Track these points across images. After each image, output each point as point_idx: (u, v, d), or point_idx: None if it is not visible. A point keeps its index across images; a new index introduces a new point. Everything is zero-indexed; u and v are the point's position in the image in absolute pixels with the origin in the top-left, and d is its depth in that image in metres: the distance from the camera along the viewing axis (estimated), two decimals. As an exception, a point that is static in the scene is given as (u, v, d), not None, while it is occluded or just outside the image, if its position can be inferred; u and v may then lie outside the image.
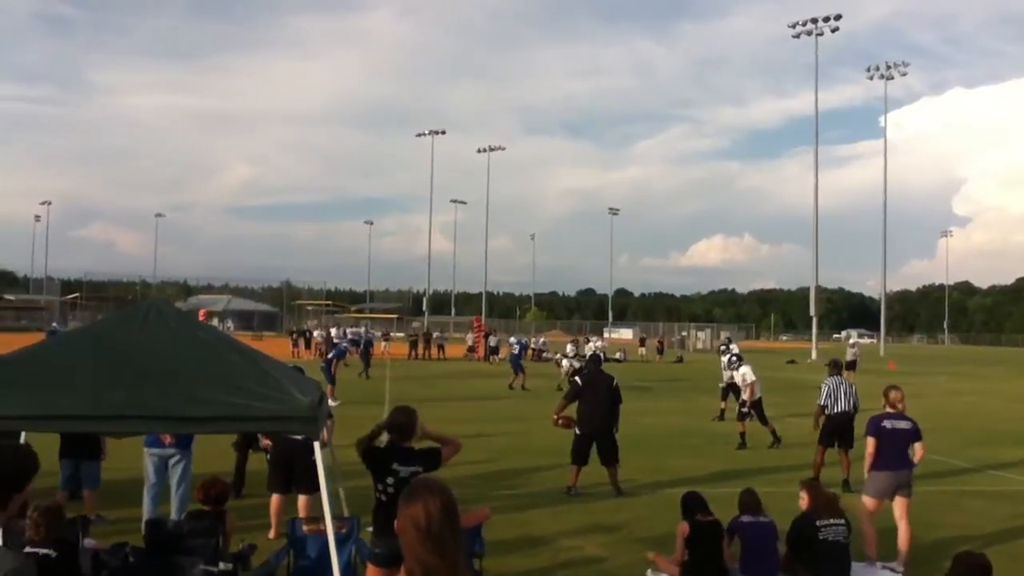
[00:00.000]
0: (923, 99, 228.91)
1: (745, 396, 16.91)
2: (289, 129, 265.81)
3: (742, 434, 16.25)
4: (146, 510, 8.55)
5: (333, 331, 50.48)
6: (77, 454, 9.09)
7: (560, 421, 12.15)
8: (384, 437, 6.03)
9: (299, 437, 7.63)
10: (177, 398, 5.45)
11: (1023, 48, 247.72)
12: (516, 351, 32.16)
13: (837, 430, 12.55)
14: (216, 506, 7.09)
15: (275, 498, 9.23)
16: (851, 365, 34.70)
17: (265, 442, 9.99)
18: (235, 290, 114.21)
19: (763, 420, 16.77)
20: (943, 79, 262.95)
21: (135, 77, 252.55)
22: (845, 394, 12.67)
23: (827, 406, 12.65)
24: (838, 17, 62.74)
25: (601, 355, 16.75)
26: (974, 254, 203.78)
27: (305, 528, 7.07)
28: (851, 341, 46.63)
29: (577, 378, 12.52)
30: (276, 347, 39.49)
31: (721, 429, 18.97)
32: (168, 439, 8.64)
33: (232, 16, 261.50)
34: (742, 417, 16.64)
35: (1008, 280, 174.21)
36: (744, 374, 17.31)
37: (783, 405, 25.08)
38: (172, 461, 8.80)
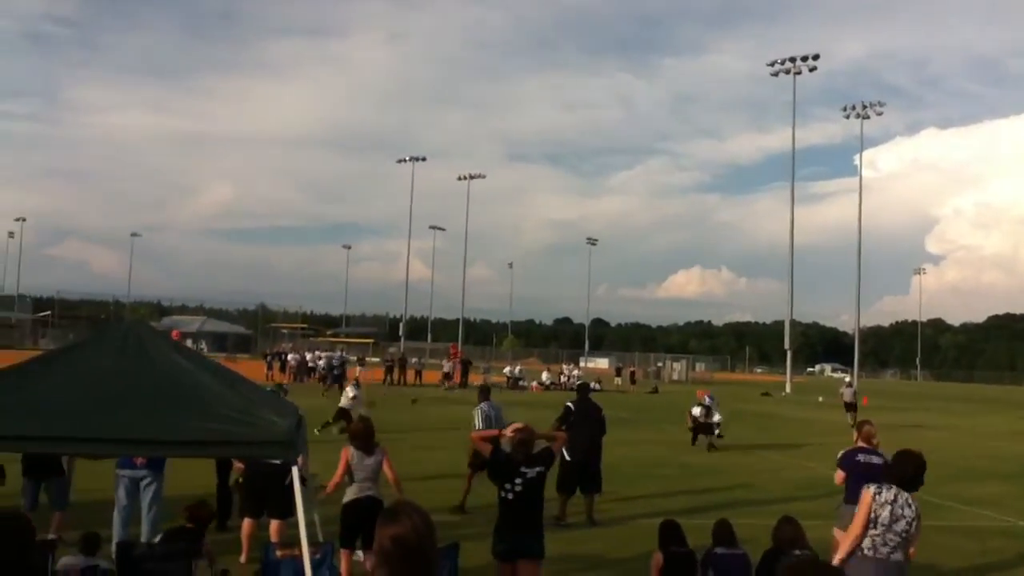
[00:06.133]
0: (897, 138, 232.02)
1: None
2: (269, 152, 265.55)
3: None
4: (116, 532, 8.46)
5: (308, 355, 50.15)
6: (39, 474, 8.94)
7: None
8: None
9: (277, 461, 7.61)
10: (153, 421, 5.43)
11: (995, 90, 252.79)
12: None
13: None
14: (199, 526, 7.08)
15: (247, 522, 9.16)
16: (850, 407, 30.78)
17: (238, 465, 9.93)
18: (210, 312, 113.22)
19: None
20: (918, 119, 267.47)
21: (115, 95, 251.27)
22: (498, 419, 12.62)
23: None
24: (816, 57, 63.85)
25: (590, 384, 16.83)
26: (947, 292, 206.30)
27: (278, 553, 7.03)
28: (847, 380, 42.58)
29: (569, 404, 12.56)
30: (250, 370, 39.16)
31: (695, 460, 19.04)
32: (140, 460, 8.57)
33: (215, 37, 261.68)
34: None
35: (980, 318, 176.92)
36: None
37: (755, 437, 25.22)
38: (144, 483, 8.72)
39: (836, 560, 6.18)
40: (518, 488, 6.73)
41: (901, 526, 5.91)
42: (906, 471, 6.21)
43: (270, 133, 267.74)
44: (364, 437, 8.20)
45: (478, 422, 12.73)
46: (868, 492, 6.04)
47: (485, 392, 13.70)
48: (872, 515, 5.92)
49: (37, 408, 5.39)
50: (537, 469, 6.83)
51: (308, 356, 49.44)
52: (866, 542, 5.93)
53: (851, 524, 6.12)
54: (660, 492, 14.52)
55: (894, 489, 6.03)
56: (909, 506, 6.00)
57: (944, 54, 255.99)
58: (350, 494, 7.97)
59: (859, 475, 8.64)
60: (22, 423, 5.28)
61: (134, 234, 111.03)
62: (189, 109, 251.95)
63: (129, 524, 8.66)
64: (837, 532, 8.63)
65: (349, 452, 8.08)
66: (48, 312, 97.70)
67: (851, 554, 6.03)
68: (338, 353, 54.94)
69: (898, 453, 6.44)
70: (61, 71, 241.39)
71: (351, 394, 21.50)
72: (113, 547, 7.27)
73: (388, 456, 8.15)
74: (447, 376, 47.76)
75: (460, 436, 13.79)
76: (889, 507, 5.91)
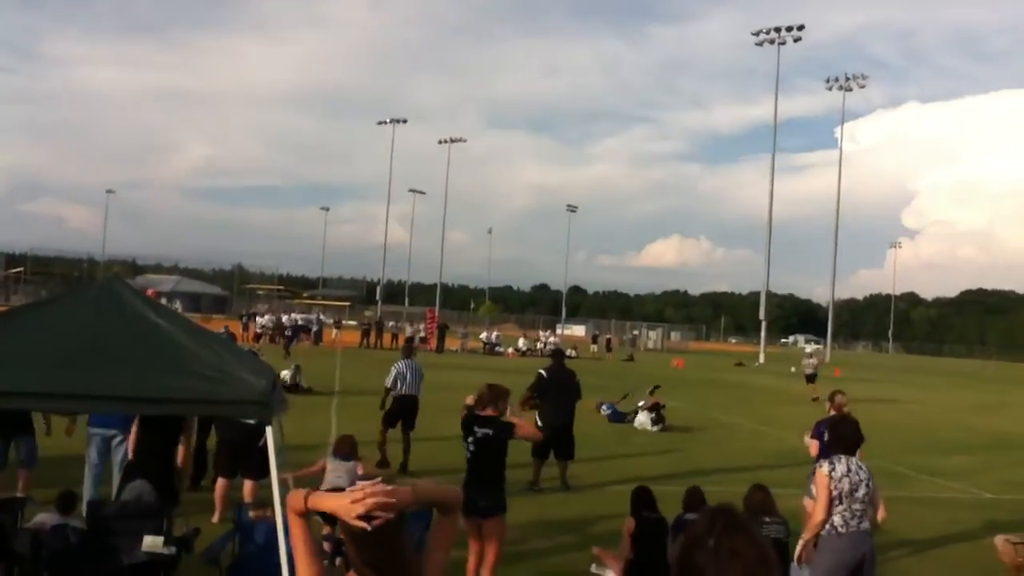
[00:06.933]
0: (879, 111, 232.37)
1: None
2: (248, 111, 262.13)
3: None
4: (87, 491, 8.40)
5: (284, 317, 50.04)
6: (9, 431, 8.77)
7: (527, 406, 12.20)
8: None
9: (251, 421, 7.58)
10: (127, 378, 5.36)
11: (977, 66, 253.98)
12: None
13: (402, 412, 12.87)
14: None
15: (220, 482, 9.15)
16: (811, 378, 29.80)
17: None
18: (185, 271, 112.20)
19: None
20: (900, 93, 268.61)
21: (92, 49, 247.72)
22: (412, 378, 13.00)
23: (394, 387, 12.95)
24: (801, 27, 63.61)
25: (564, 350, 16.82)
26: (921, 266, 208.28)
27: (252, 514, 7.01)
28: (808, 350, 40.50)
29: (541, 371, 12.55)
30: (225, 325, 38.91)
31: (668, 428, 19.19)
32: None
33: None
34: None
35: (952, 293, 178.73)
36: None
37: (728, 406, 25.46)
38: (115, 442, 8.66)
39: (803, 541, 6.18)
40: (471, 446, 7.13)
41: (861, 492, 5.96)
42: (848, 434, 6.27)
43: (250, 92, 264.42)
44: (348, 451, 8.63)
45: (388, 379, 13.06)
46: (822, 472, 6.02)
47: (407, 351, 14.03)
48: (834, 492, 5.92)
49: (8, 362, 5.30)
50: (485, 431, 7.10)
51: (284, 318, 49.30)
52: (836, 519, 5.93)
53: (815, 506, 6.08)
54: (633, 459, 14.63)
55: (844, 459, 6.06)
56: (861, 468, 6.05)
57: (929, 29, 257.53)
58: (324, 485, 8.19)
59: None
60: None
61: (109, 191, 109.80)
62: (168, 66, 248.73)
63: (101, 483, 8.61)
64: (807, 502, 8.74)
65: (327, 460, 8.60)
66: (20, 268, 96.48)
67: (818, 535, 6.02)
68: (314, 315, 54.76)
69: (833, 422, 6.51)
70: (38, 24, 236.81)
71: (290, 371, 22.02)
72: (84, 506, 7.22)
73: (362, 464, 8.68)
74: (422, 340, 47.70)
75: (429, 399, 13.89)
76: (847, 478, 5.94)
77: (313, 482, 8.42)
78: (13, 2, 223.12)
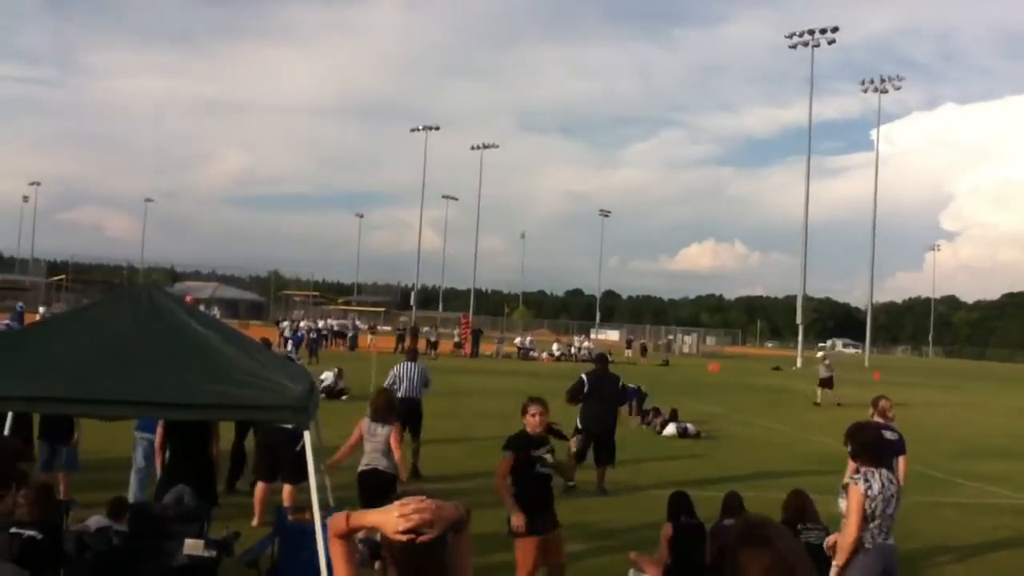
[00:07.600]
0: (914, 113, 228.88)
1: None
2: (283, 120, 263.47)
3: None
4: (132, 494, 8.53)
5: (302, 323, 50.46)
6: (53, 436, 8.89)
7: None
8: None
9: (289, 426, 7.65)
10: (167, 384, 5.45)
11: (1016, 66, 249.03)
12: None
13: (404, 416, 12.34)
14: None
15: (260, 486, 9.23)
16: (826, 382, 29.02)
17: None
18: (222, 278, 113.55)
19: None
20: (936, 94, 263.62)
21: (130, 60, 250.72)
22: (412, 381, 12.81)
23: (393, 388, 12.60)
24: (835, 29, 63.09)
25: (607, 354, 16.58)
26: (961, 269, 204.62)
27: (291, 517, 7.08)
28: (820, 354, 39.14)
29: (583, 375, 12.51)
30: (263, 336, 39.26)
31: (705, 433, 19.05)
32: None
33: (230, 2, 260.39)
34: None
35: (994, 296, 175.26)
36: None
37: (765, 411, 25.23)
38: (161, 446, 8.77)
39: (836, 566, 5.94)
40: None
41: (892, 506, 5.73)
42: (871, 442, 6.08)
43: (284, 101, 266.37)
44: (384, 410, 8.50)
45: (387, 380, 13.16)
46: (858, 490, 5.70)
47: (411, 353, 14.18)
48: (869, 510, 5.69)
49: (50, 369, 5.40)
50: None
51: (306, 324, 49.77)
52: (865, 535, 5.70)
53: (847, 527, 5.83)
54: (670, 463, 14.54)
55: (877, 474, 5.77)
56: (892, 482, 5.80)
57: (965, 28, 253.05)
58: (362, 464, 8.24)
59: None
60: (38, 383, 5.30)
61: (148, 199, 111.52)
62: (204, 76, 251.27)
63: (146, 487, 8.73)
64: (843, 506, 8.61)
65: (364, 423, 8.35)
66: (62, 276, 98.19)
67: (851, 557, 5.78)
68: (349, 321, 55.07)
69: (854, 429, 6.30)
70: (77, 36, 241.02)
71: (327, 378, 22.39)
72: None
73: (396, 431, 8.44)
74: (457, 345, 47.85)
75: (460, 404, 13.91)
76: (881, 495, 5.68)
77: (352, 459, 8.48)
78: (54, 16, 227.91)
